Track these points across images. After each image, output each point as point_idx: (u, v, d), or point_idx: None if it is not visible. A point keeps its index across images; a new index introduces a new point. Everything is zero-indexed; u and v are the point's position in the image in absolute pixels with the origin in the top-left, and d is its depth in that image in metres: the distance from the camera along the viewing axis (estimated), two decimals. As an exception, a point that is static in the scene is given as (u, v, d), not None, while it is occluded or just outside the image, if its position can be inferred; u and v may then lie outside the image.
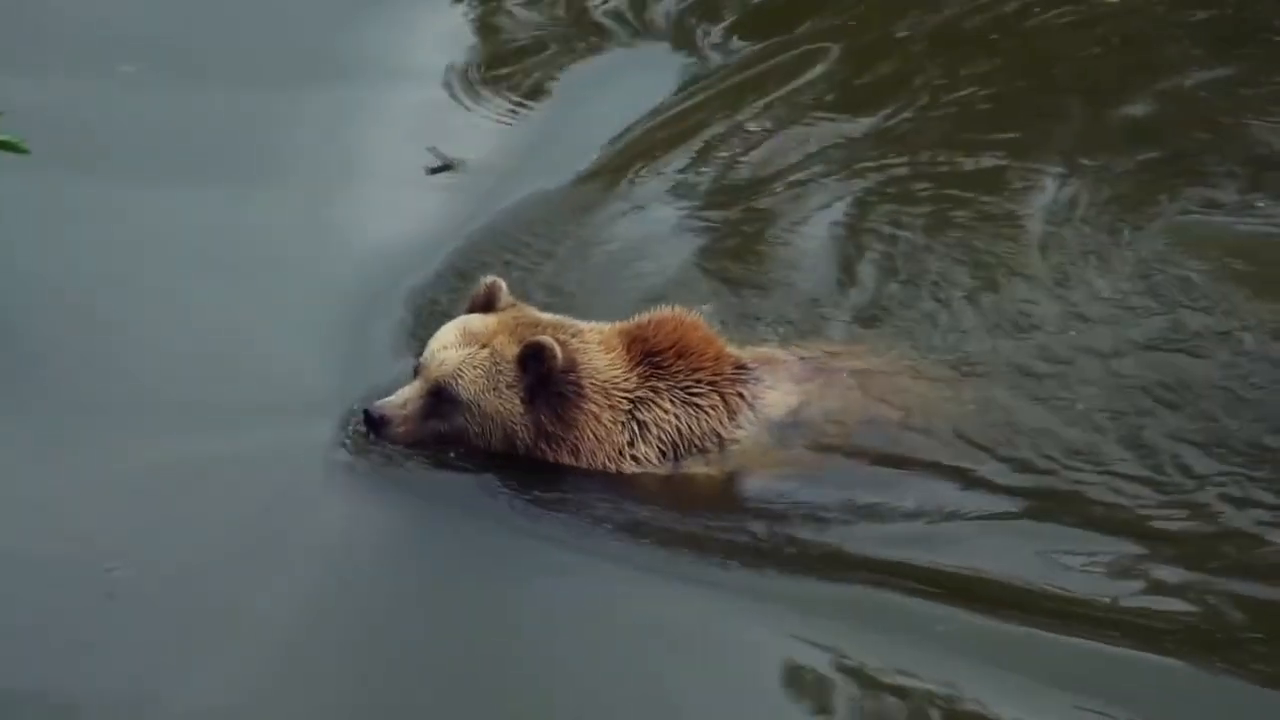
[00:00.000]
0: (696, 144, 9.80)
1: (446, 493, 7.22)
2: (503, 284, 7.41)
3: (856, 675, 6.37)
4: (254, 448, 7.32)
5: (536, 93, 10.32)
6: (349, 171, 9.29)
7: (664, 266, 8.71)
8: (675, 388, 7.35)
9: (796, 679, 6.37)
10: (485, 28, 10.96)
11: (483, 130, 9.88)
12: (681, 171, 9.57)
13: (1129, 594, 6.71)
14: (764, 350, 7.73)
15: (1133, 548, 6.92)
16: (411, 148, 9.53)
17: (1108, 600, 6.67)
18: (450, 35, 10.54)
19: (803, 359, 7.64)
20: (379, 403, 7.20)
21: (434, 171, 9.45)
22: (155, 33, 9.99)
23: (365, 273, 8.43)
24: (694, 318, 7.49)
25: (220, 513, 7.02)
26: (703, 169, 9.61)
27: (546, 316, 7.41)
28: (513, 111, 10.15)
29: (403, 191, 9.20)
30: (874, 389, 7.56)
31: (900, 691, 6.31)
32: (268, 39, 10.15)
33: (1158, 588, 6.73)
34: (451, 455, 7.28)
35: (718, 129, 9.93)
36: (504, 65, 10.57)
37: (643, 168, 9.56)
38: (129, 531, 6.86)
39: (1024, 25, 10.63)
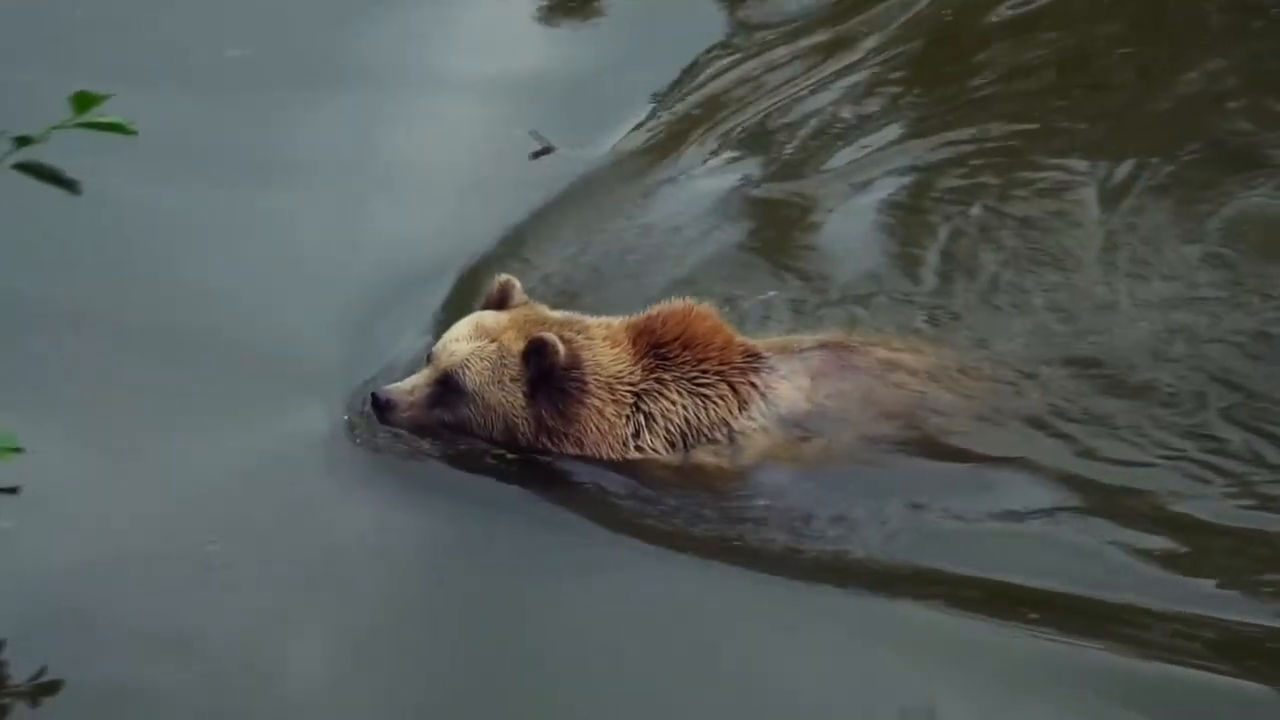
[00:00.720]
0: (752, 120, 9.79)
1: (466, 483, 7.35)
2: (516, 282, 7.57)
3: (865, 677, 6.40)
4: (292, 436, 7.52)
5: (577, 76, 10.32)
6: (388, 170, 9.42)
7: (722, 248, 8.75)
8: (682, 379, 7.40)
9: (806, 680, 6.41)
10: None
11: (538, 110, 9.89)
12: (738, 148, 9.58)
13: (1190, 603, 6.58)
14: (782, 339, 7.71)
15: (1196, 549, 6.81)
16: (452, 146, 9.62)
17: (1164, 610, 6.56)
18: (482, 31, 10.63)
19: (825, 348, 7.58)
20: (387, 387, 7.37)
21: (536, 155, 9.50)
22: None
23: (429, 263, 8.59)
24: (703, 308, 7.50)
25: (258, 503, 7.22)
26: (760, 145, 9.59)
27: (556, 314, 7.54)
28: (564, 86, 10.17)
29: (442, 186, 9.28)
30: (902, 380, 7.51)
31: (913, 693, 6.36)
32: (283, 40, 10.33)
33: (1230, 598, 6.61)
34: (500, 453, 7.40)
35: (771, 104, 9.92)
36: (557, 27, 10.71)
37: (696, 144, 9.57)
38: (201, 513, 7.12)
39: (1085, 7, 10.41)
